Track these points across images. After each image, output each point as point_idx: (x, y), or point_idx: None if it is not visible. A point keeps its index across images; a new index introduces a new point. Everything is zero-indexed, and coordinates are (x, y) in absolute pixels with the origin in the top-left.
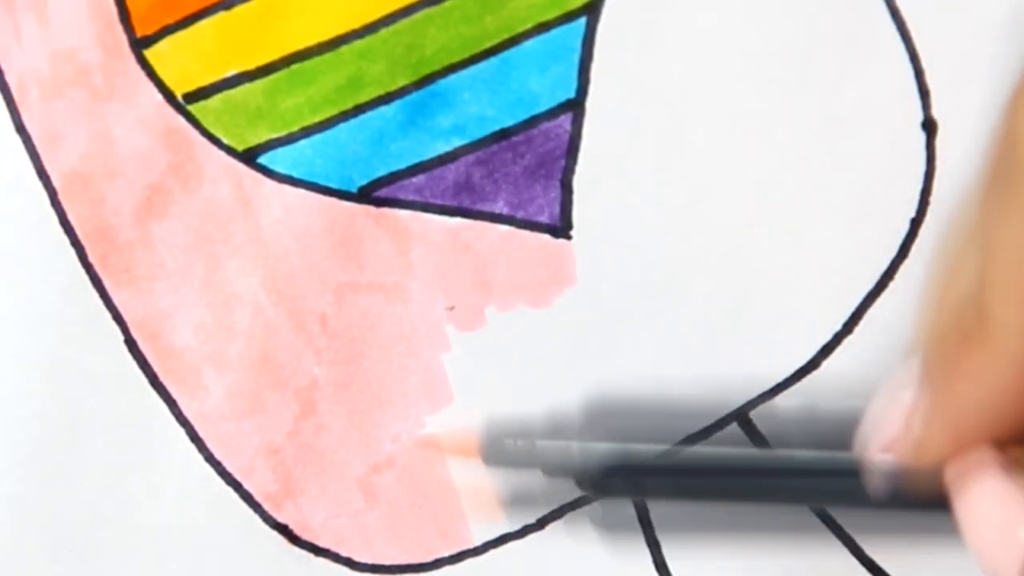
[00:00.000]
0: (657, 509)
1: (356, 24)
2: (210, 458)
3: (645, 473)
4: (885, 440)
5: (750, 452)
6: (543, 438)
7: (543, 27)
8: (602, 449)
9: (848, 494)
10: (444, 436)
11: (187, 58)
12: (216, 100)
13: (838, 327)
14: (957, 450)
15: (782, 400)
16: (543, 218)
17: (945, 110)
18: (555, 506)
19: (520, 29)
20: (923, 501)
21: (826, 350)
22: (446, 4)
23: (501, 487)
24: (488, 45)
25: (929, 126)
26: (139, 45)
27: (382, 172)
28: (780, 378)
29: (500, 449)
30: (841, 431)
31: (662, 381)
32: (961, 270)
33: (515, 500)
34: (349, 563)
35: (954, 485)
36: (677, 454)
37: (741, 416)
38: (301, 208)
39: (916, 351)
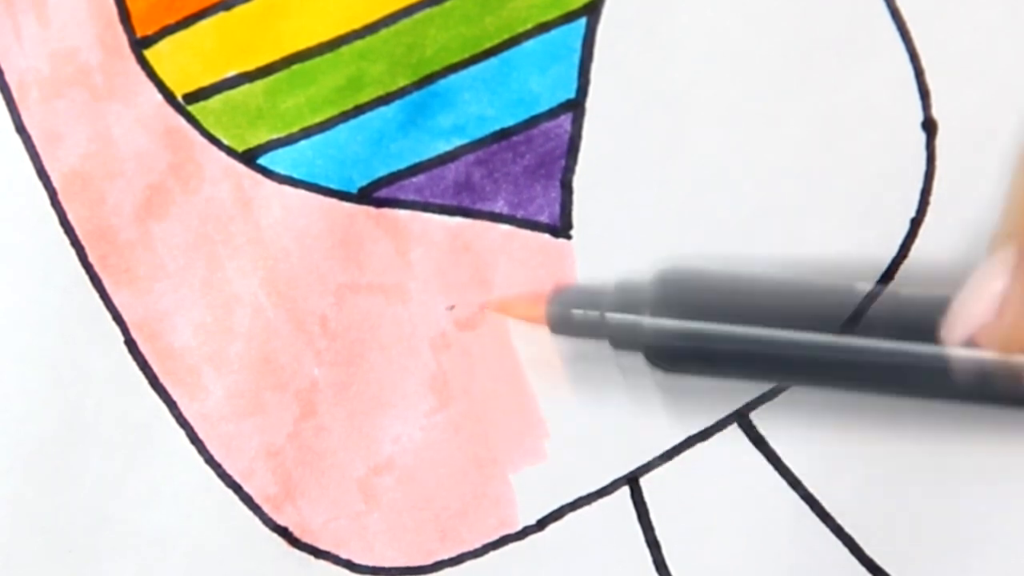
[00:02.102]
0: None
1: (356, 24)
2: (210, 460)
3: (716, 352)
4: (973, 329)
5: (827, 337)
6: (613, 309)
7: (543, 27)
8: (672, 324)
9: (931, 384)
10: (513, 301)
11: (187, 58)
12: (216, 100)
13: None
14: None
15: (862, 286)
16: (543, 218)
17: (945, 110)
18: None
19: (520, 29)
20: (1008, 393)
21: None
22: (446, 4)
23: (565, 354)
24: (488, 45)
25: (929, 126)
26: (139, 45)
27: (382, 172)
28: None
29: (569, 318)
30: (926, 319)
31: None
32: None
33: (580, 367)
34: (349, 565)
35: None
36: (750, 334)
37: (741, 417)
38: (301, 209)
39: (1005, 241)
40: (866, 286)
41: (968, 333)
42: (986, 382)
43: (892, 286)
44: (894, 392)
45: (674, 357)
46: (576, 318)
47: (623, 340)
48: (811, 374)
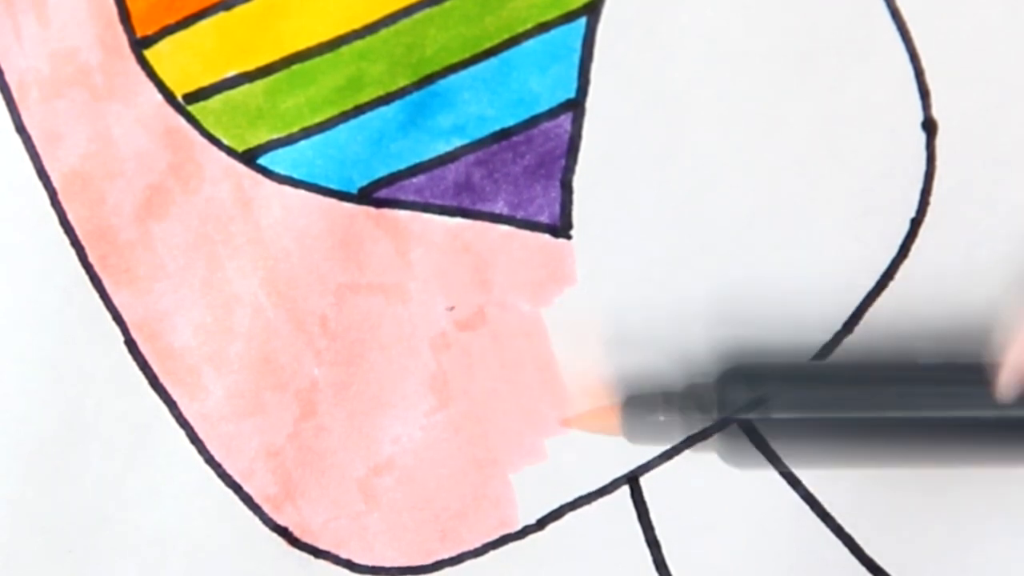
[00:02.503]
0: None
1: (356, 24)
2: (210, 460)
3: (789, 440)
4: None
5: (899, 413)
6: (683, 410)
7: (543, 27)
8: (742, 418)
9: (977, 402)
10: (586, 417)
11: (187, 58)
12: (216, 100)
13: (838, 327)
14: None
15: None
16: (543, 218)
17: (945, 110)
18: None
19: (520, 29)
20: None
21: (826, 350)
22: (446, 4)
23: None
24: (488, 45)
25: (929, 126)
26: (139, 45)
27: (382, 173)
28: None
29: (643, 426)
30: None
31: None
32: None
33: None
34: (349, 565)
35: None
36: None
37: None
38: (301, 209)
39: None
40: (926, 359)
41: (1021, 383)
42: None
43: (947, 357)
44: (944, 410)
45: (750, 447)
46: (650, 425)
47: (696, 440)
48: (882, 452)
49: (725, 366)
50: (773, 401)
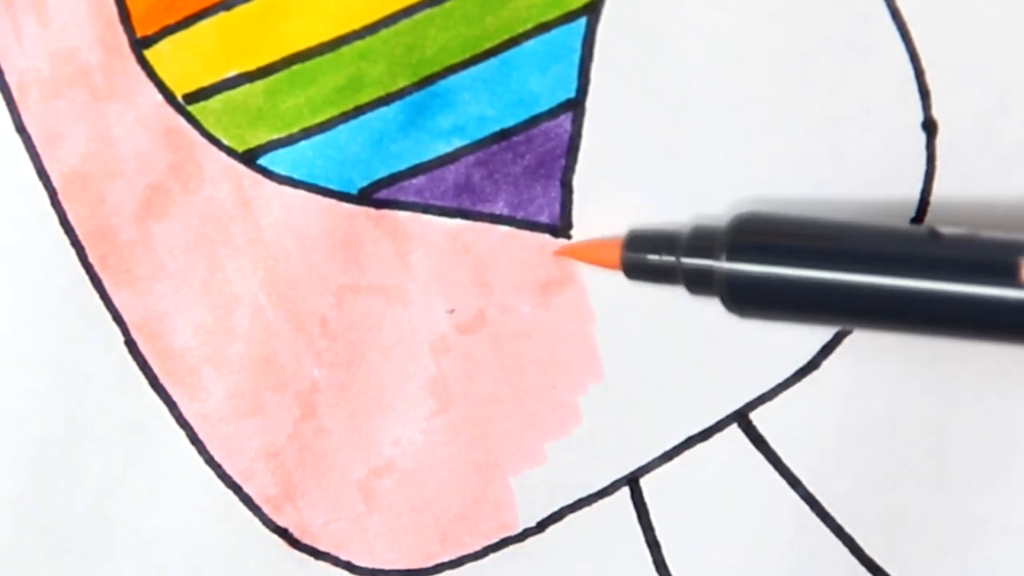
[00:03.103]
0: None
1: (356, 25)
2: (210, 460)
3: (792, 295)
4: None
5: (902, 279)
6: (688, 254)
7: (543, 27)
8: (748, 267)
9: (1006, 324)
10: (587, 246)
11: (187, 58)
12: (216, 101)
13: (837, 328)
14: None
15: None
16: (543, 218)
17: (945, 110)
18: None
19: (520, 29)
20: None
21: (826, 350)
22: (446, 5)
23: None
24: (488, 45)
25: (929, 126)
26: (139, 45)
27: (382, 173)
28: (780, 378)
29: (644, 262)
30: (1003, 260)
31: (660, 379)
32: None
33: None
34: (349, 567)
35: None
36: (825, 277)
37: (741, 417)
38: (301, 210)
39: None
40: (945, 228)
41: None
42: None
43: (970, 229)
44: (968, 335)
45: (750, 301)
46: (652, 263)
47: (698, 284)
48: (885, 316)
49: (736, 215)
50: (780, 253)
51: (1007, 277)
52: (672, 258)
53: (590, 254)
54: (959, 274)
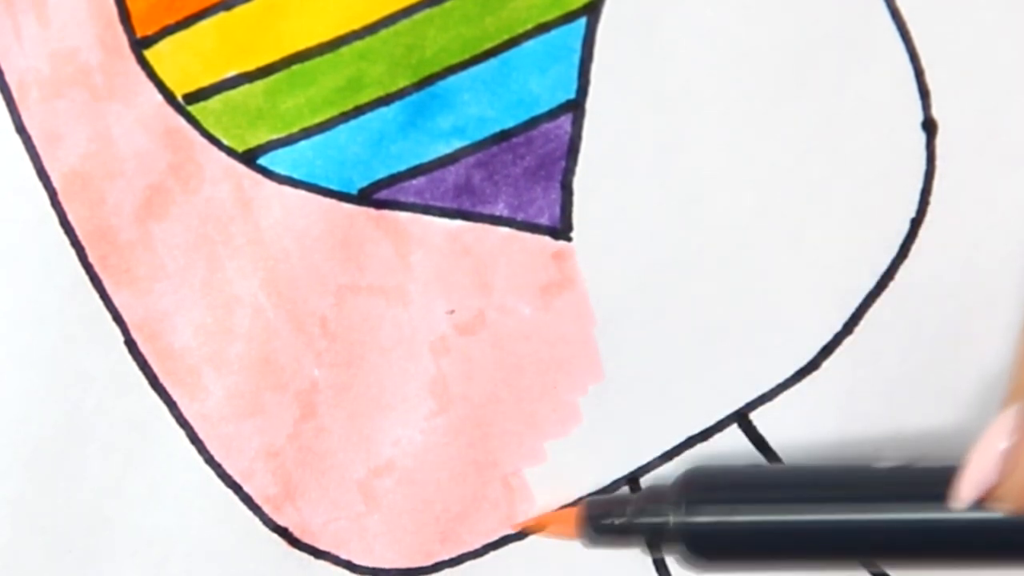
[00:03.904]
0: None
1: (356, 25)
2: (210, 460)
3: (751, 540)
4: (983, 487)
5: (854, 514)
6: (641, 513)
7: (543, 28)
8: (702, 518)
9: (947, 546)
10: (544, 520)
11: (187, 58)
12: (216, 101)
13: (838, 328)
14: None
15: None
16: (543, 220)
17: (945, 110)
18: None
19: (520, 30)
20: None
21: (826, 351)
22: (446, 5)
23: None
24: (488, 46)
25: (929, 126)
26: (139, 45)
27: (382, 174)
28: (781, 379)
29: (601, 528)
30: (937, 485)
31: (660, 380)
32: None
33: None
34: (349, 566)
35: None
36: (780, 520)
37: (741, 417)
38: (301, 210)
39: (1013, 401)
40: (883, 463)
41: (976, 494)
42: (995, 540)
43: (907, 460)
44: (911, 562)
45: (710, 550)
46: (608, 526)
47: (655, 542)
48: (842, 551)
49: (686, 470)
50: (733, 505)
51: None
52: (624, 520)
53: (549, 527)
54: (898, 501)
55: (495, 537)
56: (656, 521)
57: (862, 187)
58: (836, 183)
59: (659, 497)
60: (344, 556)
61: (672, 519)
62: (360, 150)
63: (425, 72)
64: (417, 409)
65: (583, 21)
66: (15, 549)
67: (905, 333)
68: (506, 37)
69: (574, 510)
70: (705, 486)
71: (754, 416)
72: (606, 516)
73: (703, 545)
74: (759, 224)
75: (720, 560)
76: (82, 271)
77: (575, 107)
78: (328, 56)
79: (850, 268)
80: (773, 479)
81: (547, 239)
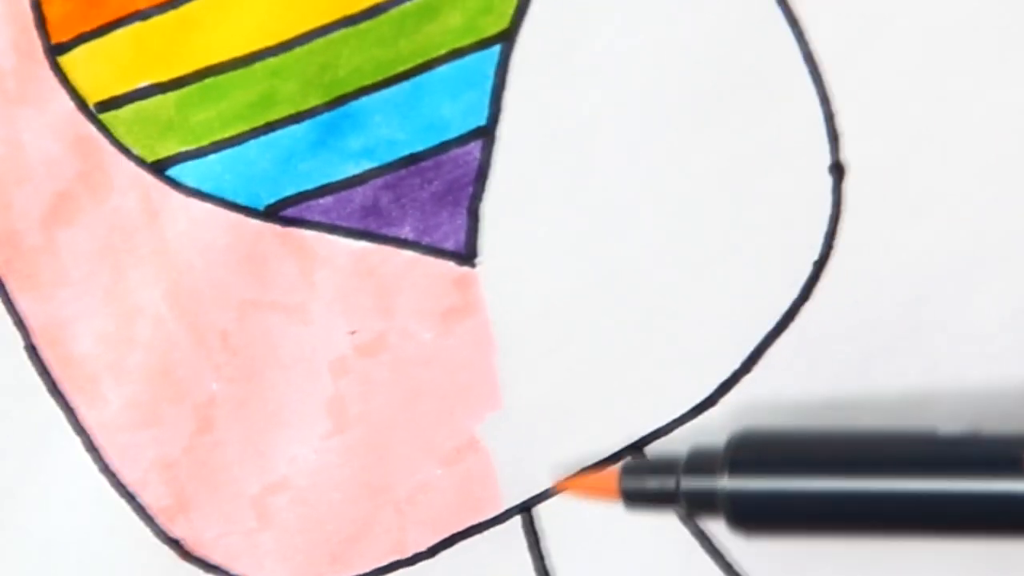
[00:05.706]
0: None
1: (271, 41)
2: (105, 469)
3: (798, 508)
4: None
5: (913, 482)
6: (685, 474)
7: (457, 53)
8: (749, 484)
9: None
10: (584, 480)
11: (101, 67)
12: (128, 110)
13: (737, 365)
14: None
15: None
16: (449, 245)
17: (855, 154)
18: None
19: (434, 54)
20: None
21: (724, 387)
22: (361, 26)
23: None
24: (401, 69)
25: (838, 169)
26: (54, 52)
27: (290, 191)
28: (678, 413)
29: (642, 489)
30: (1008, 455)
31: (559, 411)
32: None
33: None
34: None
35: None
36: (830, 486)
37: (637, 450)
38: (207, 223)
39: None
40: (946, 428)
41: None
42: None
43: (971, 426)
44: (977, 532)
45: (753, 518)
46: (650, 488)
47: (700, 507)
48: (900, 522)
49: (734, 434)
50: (779, 470)
51: (1012, 471)
52: (672, 483)
53: (588, 486)
54: (964, 472)
55: (386, 562)
56: (702, 487)
57: (768, 227)
58: (743, 220)
59: (706, 462)
60: (235, 571)
61: (723, 484)
62: (269, 166)
63: (337, 92)
64: (313, 428)
65: (498, 48)
66: None
67: (803, 374)
68: (420, 61)
69: (615, 471)
70: (757, 451)
71: (648, 450)
72: (648, 479)
73: (753, 513)
74: (663, 259)
75: (770, 529)
76: None
77: (486, 134)
78: (241, 71)
79: (752, 306)
80: (824, 442)
81: (452, 264)
